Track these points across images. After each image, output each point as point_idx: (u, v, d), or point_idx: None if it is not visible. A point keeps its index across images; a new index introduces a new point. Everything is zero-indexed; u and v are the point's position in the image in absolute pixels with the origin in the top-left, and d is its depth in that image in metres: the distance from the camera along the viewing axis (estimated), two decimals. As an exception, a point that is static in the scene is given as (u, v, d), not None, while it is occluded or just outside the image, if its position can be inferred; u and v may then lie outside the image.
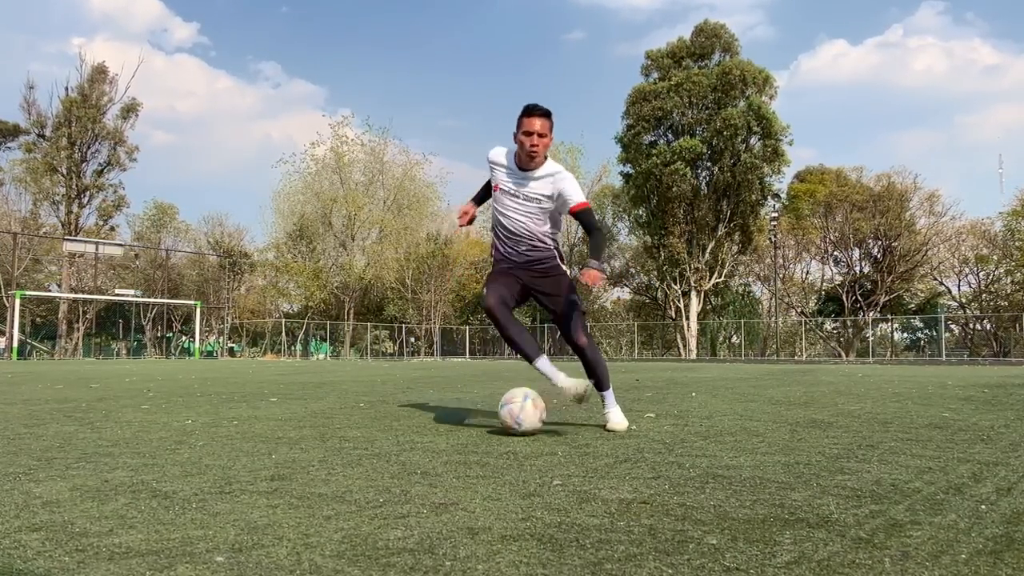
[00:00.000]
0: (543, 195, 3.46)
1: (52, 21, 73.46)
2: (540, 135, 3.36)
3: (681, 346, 39.52)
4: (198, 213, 77.70)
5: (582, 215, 3.49)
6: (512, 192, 3.50)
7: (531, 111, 3.36)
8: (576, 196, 3.46)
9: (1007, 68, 74.97)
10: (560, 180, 3.46)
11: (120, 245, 39.97)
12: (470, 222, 3.78)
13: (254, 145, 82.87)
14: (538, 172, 3.47)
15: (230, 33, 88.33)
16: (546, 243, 3.58)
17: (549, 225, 3.56)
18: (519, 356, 3.44)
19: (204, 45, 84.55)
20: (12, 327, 30.73)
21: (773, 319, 40.70)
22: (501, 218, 3.58)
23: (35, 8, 73.04)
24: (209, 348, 43.10)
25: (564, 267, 3.67)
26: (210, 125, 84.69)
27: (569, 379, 3.29)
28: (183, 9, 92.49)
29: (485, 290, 3.46)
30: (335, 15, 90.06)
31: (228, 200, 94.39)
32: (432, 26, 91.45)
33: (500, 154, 3.55)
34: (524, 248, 3.56)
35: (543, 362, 3.39)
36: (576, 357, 3.59)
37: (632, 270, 49.30)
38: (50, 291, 40.74)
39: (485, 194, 3.73)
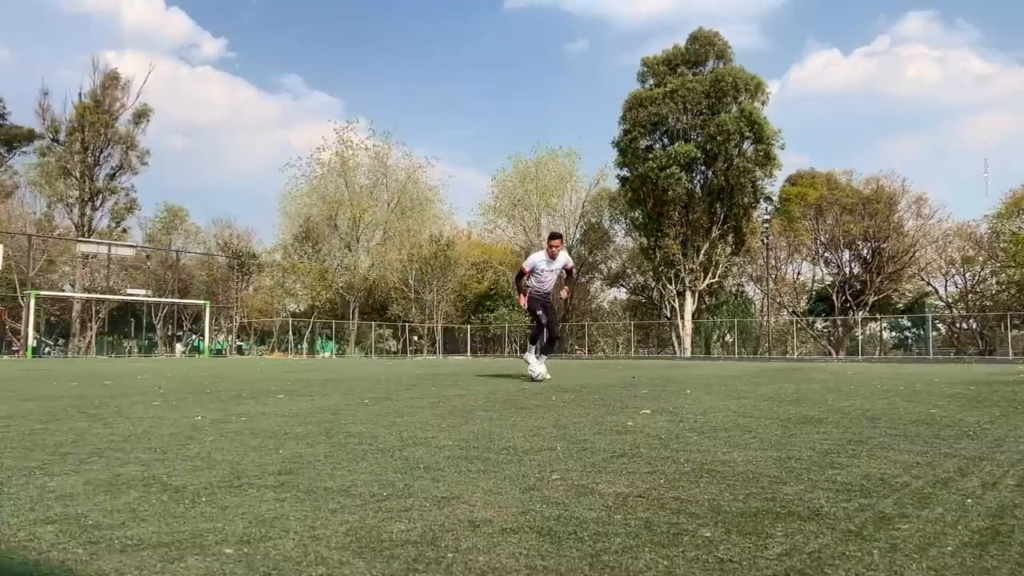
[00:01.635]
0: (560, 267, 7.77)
1: (88, 35, 74.29)
2: (555, 248, 7.65)
3: (676, 344, 39.52)
4: (213, 216, 78.09)
5: (571, 273, 8.07)
6: (551, 270, 7.74)
7: (553, 236, 7.75)
8: (569, 259, 7.91)
9: (994, 77, 75.00)
10: (565, 257, 7.78)
11: (132, 247, 40.00)
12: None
13: (273, 153, 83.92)
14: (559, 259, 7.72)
15: (255, 47, 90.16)
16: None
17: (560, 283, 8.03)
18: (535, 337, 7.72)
19: (230, 59, 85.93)
20: (27, 326, 30.72)
21: (765, 318, 40.71)
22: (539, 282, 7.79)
23: (71, 22, 73.93)
24: (218, 346, 43.09)
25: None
26: (230, 134, 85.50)
27: (537, 368, 7.40)
28: (212, 25, 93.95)
29: (539, 311, 7.76)
30: (352, 31, 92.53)
31: (244, 205, 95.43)
32: (442, 41, 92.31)
33: (538, 256, 7.83)
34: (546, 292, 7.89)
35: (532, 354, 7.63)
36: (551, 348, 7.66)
37: (628, 271, 49.32)
38: (64, 291, 40.75)
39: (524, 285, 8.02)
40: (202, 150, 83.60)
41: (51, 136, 39.56)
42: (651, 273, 41.69)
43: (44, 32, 71.48)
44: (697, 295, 39.40)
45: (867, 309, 40.08)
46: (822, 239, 42.56)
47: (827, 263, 44.10)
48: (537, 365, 7.37)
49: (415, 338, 46.36)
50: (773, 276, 42.80)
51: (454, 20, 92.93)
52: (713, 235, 38.03)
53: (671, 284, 38.84)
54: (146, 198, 72.51)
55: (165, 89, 70.24)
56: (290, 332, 43.54)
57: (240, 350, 43.51)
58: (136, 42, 73.92)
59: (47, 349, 38.95)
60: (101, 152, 39.78)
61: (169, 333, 43.79)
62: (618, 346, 48.52)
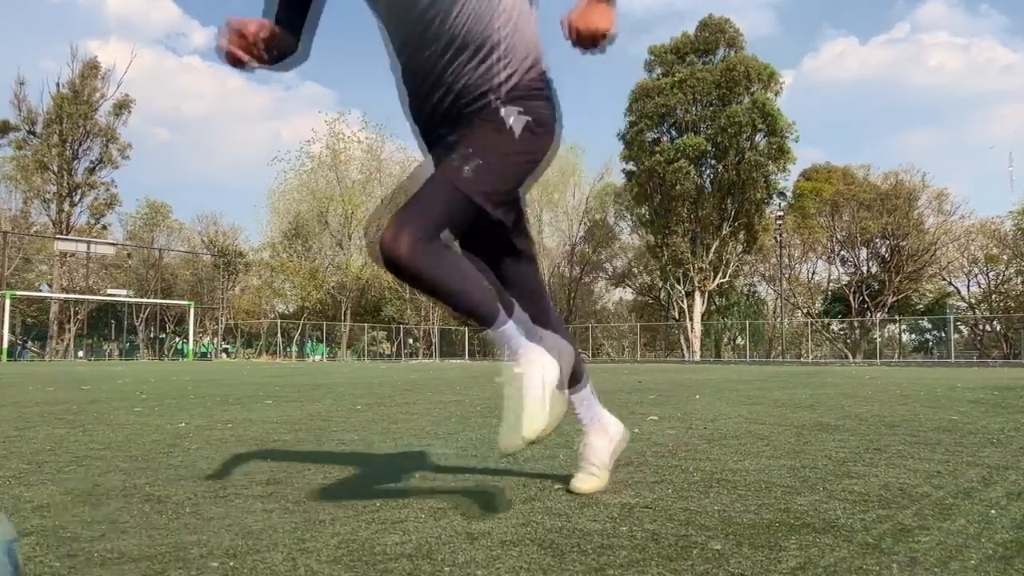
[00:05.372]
0: None
1: (69, 22, 74.82)
2: None
3: (684, 347, 39.52)
4: (198, 212, 78.89)
5: None
6: None
7: None
8: None
9: (1020, 66, 75.02)
10: None
11: (112, 244, 40.01)
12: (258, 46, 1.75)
13: (262, 146, 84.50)
14: None
15: None
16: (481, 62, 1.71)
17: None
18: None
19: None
20: (2, 328, 30.73)
21: (778, 320, 40.72)
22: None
23: (52, 9, 74.39)
24: (203, 349, 43.10)
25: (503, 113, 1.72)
26: (217, 125, 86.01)
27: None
28: (200, 14, 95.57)
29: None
30: (345, 20, 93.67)
31: (232, 199, 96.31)
32: None
33: None
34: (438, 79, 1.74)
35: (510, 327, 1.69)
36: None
37: (635, 270, 49.31)
38: (41, 291, 40.75)
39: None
40: (188, 143, 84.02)
41: (27, 128, 39.56)
42: (658, 272, 41.69)
43: (23, 19, 72.03)
44: (707, 295, 39.41)
45: (885, 310, 40.08)
46: (838, 237, 42.57)
47: (843, 262, 44.13)
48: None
49: (410, 341, 46.36)
50: (787, 275, 42.80)
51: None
52: (723, 232, 38.04)
53: (679, 284, 38.85)
54: (128, 193, 72.82)
55: (149, 79, 70.52)
56: (278, 334, 43.52)
57: (226, 353, 43.52)
58: (121, 31, 74.36)
59: (21, 351, 38.95)
60: (80, 145, 39.78)
61: (151, 335, 43.79)
62: (624, 349, 48.51)
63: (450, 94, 1.72)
